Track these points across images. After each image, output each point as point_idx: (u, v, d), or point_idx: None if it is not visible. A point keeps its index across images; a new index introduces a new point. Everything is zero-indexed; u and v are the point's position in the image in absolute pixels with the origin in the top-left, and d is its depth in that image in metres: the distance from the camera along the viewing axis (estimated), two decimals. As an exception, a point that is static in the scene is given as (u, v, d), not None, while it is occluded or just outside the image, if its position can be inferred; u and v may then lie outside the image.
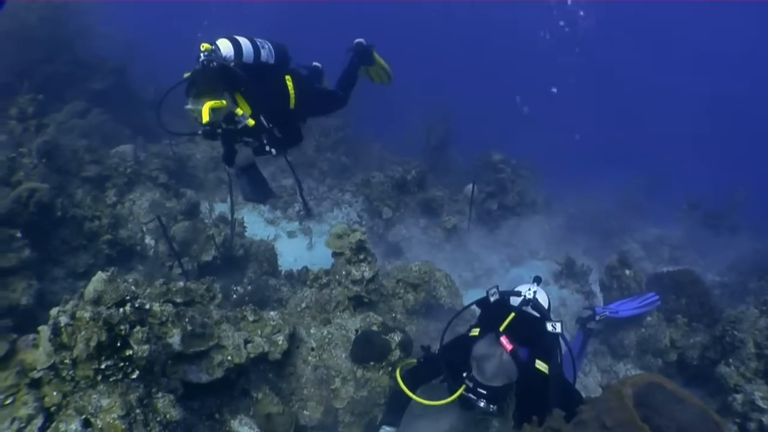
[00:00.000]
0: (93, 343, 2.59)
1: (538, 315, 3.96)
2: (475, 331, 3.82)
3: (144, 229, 6.66)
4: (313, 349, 4.45)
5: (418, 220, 8.32)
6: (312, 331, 4.63)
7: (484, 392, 3.32)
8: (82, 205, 6.05)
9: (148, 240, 6.54)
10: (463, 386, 3.39)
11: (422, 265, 5.89)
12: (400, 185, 8.38)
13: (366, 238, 5.13)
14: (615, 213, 10.49)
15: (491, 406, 3.36)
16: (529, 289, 4.25)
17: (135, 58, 11.20)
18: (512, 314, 3.65)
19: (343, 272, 5.05)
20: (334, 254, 5.26)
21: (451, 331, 4.12)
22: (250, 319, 4.13)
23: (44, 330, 2.77)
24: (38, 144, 6.03)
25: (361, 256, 5.07)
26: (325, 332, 4.56)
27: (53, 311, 2.76)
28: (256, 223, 8.17)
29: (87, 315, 2.66)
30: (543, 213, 9.97)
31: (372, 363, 4.39)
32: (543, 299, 4.25)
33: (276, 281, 6.38)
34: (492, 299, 4.02)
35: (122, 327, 2.67)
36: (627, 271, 6.61)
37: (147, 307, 2.88)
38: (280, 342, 4.10)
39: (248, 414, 3.71)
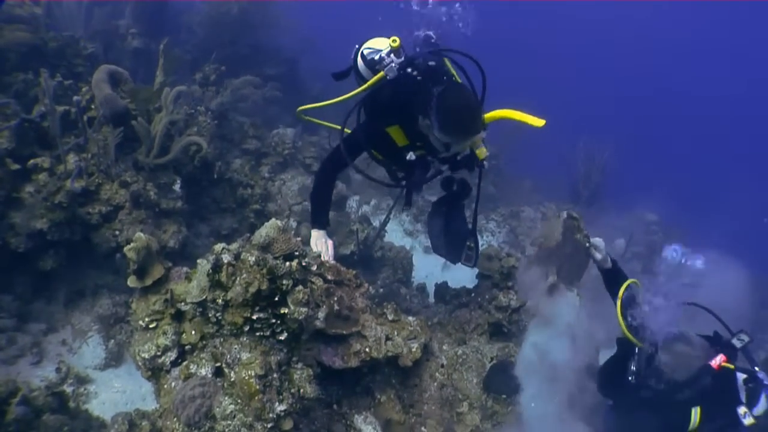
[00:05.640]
0: (252, 289, 2.47)
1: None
2: None
3: (290, 209, 6.73)
4: (442, 366, 4.14)
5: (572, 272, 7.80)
6: (444, 347, 4.34)
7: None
8: (240, 172, 6.18)
9: (292, 221, 6.58)
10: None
11: (568, 309, 5.43)
12: (549, 224, 7.93)
13: (519, 265, 4.77)
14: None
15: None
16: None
17: (309, 52, 11.68)
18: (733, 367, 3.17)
19: (487, 296, 4.72)
20: (480, 276, 4.94)
21: None
22: (390, 317, 3.91)
23: (203, 263, 2.69)
24: (215, 104, 6.28)
25: (510, 284, 4.72)
26: (460, 352, 4.25)
27: (217, 246, 2.67)
28: (394, 232, 8.04)
29: (252, 259, 2.54)
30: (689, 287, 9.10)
31: (504, 396, 4.02)
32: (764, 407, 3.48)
33: (407, 291, 6.18)
34: (738, 345, 3.33)
35: (285, 282, 2.53)
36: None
37: (313, 268, 2.72)
38: (414, 349, 3.82)
39: (371, 413, 3.46)
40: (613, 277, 3.97)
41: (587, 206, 9.99)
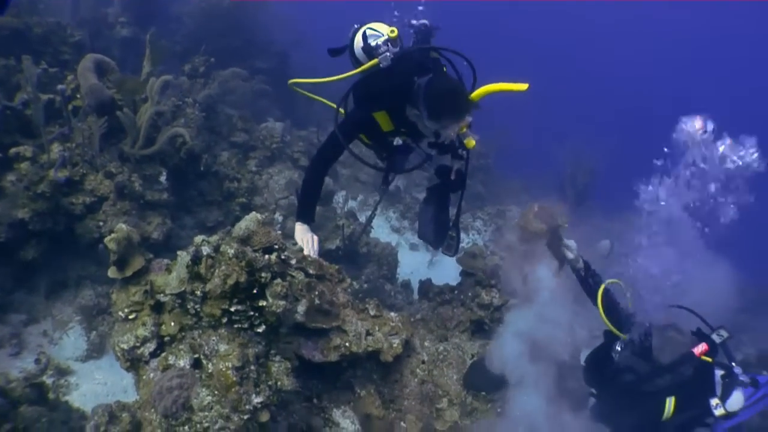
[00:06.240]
0: (230, 282, 2.47)
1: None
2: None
3: (276, 203, 6.72)
4: (423, 362, 4.16)
5: (550, 261, 7.85)
6: (426, 344, 4.35)
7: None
8: (227, 165, 6.16)
9: (278, 215, 6.56)
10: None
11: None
12: (536, 224, 7.97)
13: (503, 265, 4.80)
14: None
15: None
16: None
17: (299, 47, 11.64)
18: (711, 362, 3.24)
19: (470, 294, 4.74)
20: (464, 273, 4.96)
21: None
22: (371, 313, 3.92)
23: (183, 255, 2.70)
24: (202, 96, 6.25)
25: (493, 282, 4.74)
26: (441, 348, 4.27)
27: (197, 239, 2.68)
28: (381, 228, 8.05)
29: (231, 251, 2.55)
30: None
31: (483, 393, 4.05)
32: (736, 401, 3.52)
33: (391, 287, 6.19)
34: (718, 340, 3.34)
35: (264, 275, 2.54)
36: None
37: (292, 262, 2.73)
38: (395, 345, 3.83)
39: (350, 408, 3.47)
40: (585, 278, 4.01)
41: (576, 206, 10.04)
